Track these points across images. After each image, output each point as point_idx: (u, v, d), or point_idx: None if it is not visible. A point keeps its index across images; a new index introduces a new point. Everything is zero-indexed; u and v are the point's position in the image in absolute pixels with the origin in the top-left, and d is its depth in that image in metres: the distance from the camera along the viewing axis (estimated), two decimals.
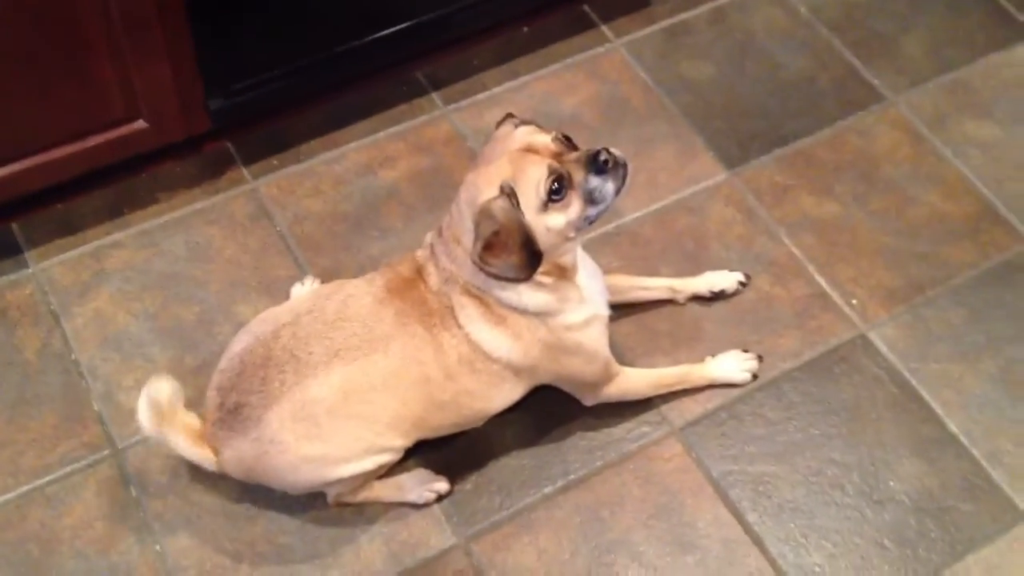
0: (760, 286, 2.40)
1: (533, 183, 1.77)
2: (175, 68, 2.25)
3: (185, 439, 1.92)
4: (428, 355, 1.89)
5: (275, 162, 2.57)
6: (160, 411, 1.88)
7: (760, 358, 2.26)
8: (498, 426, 2.11)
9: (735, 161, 2.61)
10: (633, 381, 2.16)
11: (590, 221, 1.86)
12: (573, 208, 1.81)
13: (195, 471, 2.08)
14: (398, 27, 2.52)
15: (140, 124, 2.33)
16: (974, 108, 2.72)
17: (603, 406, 2.16)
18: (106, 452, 2.15)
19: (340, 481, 1.95)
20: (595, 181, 1.81)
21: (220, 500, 2.09)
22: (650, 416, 2.21)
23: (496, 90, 2.72)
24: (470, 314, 1.89)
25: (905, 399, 2.24)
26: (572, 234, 1.85)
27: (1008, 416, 2.22)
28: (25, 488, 2.10)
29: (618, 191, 1.83)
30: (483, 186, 1.79)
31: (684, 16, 2.87)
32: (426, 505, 2.09)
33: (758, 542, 2.06)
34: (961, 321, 2.36)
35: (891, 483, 2.12)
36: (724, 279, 2.36)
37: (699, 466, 2.14)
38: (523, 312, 1.90)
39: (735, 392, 2.24)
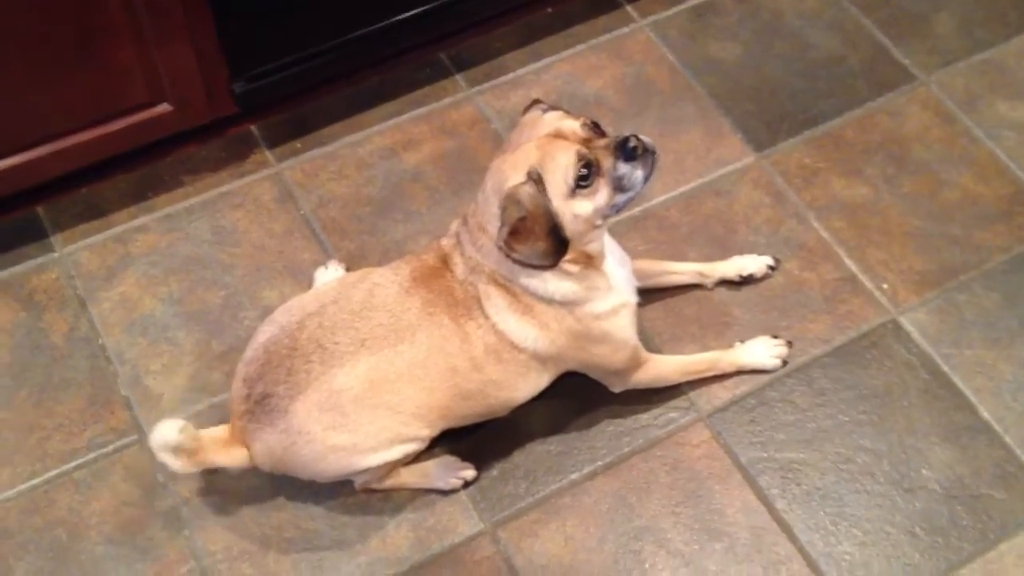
0: (789, 270, 2.37)
1: (561, 169, 1.75)
2: (199, 51, 2.24)
3: (220, 454, 1.91)
4: (455, 345, 1.88)
5: (299, 145, 2.55)
6: (183, 450, 1.84)
7: (790, 344, 2.24)
8: (524, 412, 2.10)
9: (763, 143, 2.58)
10: (662, 368, 2.14)
11: (618, 209, 1.84)
12: (601, 195, 1.79)
13: None
14: (421, 8, 2.50)
15: (164, 107, 2.32)
16: (1007, 89, 2.67)
17: (631, 392, 2.14)
18: (133, 437, 2.15)
19: (367, 470, 1.94)
20: (624, 168, 1.79)
21: (248, 485, 2.08)
22: (678, 402, 2.19)
23: (520, 72, 2.70)
24: (496, 303, 1.88)
25: (937, 386, 2.21)
26: (599, 221, 1.83)
27: None
28: (53, 473, 2.11)
29: (647, 178, 1.81)
30: (509, 172, 1.77)
31: None
32: (453, 491, 2.08)
33: (787, 530, 2.04)
34: (994, 306, 2.33)
35: (923, 470, 2.10)
36: (753, 263, 2.34)
37: (727, 452, 2.13)
38: (550, 301, 1.88)
39: (764, 378, 2.22)
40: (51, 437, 2.14)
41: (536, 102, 1.90)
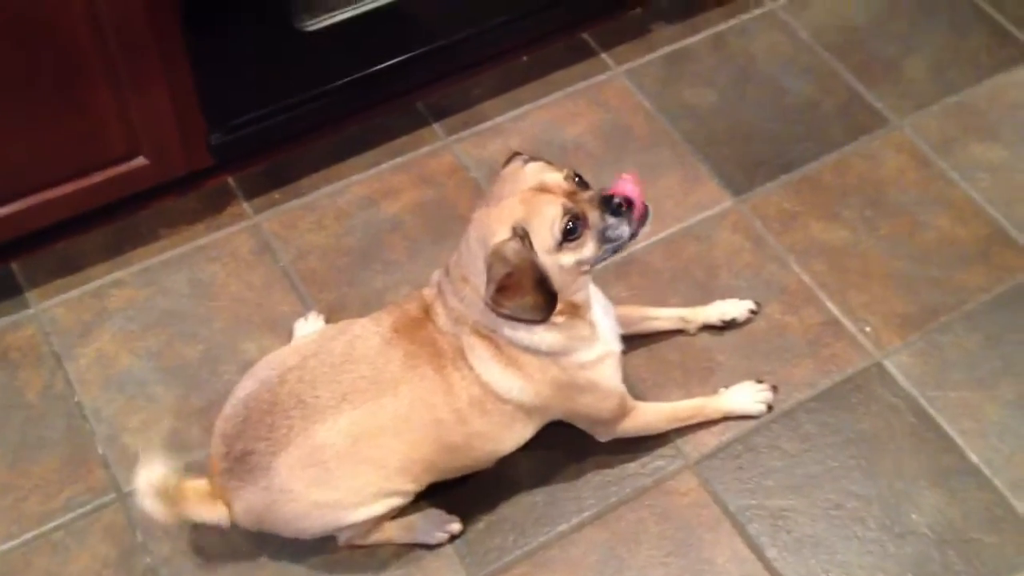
0: (771, 314, 2.37)
1: (547, 223, 1.73)
2: (175, 104, 2.22)
3: (200, 506, 1.87)
4: (438, 397, 1.85)
5: (277, 196, 2.54)
6: (166, 497, 1.81)
7: (775, 388, 2.23)
8: (510, 463, 2.07)
9: (741, 188, 2.59)
10: (648, 416, 2.12)
11: (603, 261, 1.83)
12: (588, 248, 1.78)
13: None
14: (398, 59, 2.50)
15: (141, 161, 2.30)
16: (980, 130, 2.70)
17: (617, 441, 2.12)
18: (112, 496, 2.10)
19: (352, 526, 1.91)
20: (610, 220, 1.78)
21: (228, 545, 2.04)
22: (665, 450, 2.17)
23: (498, 120, 2.70)
24: (480, 355, 1.85)
25: (923, 428, 2.20)
26: (586, 268, 1.82)
27: None
28: (30, 535, 2.05)
29: (633, 234, 1.81)
30: (494, 226, 1.75)
31: (685, 42, 2.86)
32: (439, 546, 2.04)
33: None
34: (977, 347, 2.33)
35: (913, 515, 2.09)
36: (734, 307, 2.33)
37: (716, 500, 2.11)
38: (535, 352, 1.86)
39: (751, 424, 2.21)
40: (27, 498, 2.09)
41: (516, 154, 1.89)
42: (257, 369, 1.92)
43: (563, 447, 2.14)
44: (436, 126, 2.68)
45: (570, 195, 1.77)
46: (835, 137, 2.68)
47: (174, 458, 1.83)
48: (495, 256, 1.73)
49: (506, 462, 2.04)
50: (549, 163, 1.85)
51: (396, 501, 1.92)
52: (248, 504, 1.85)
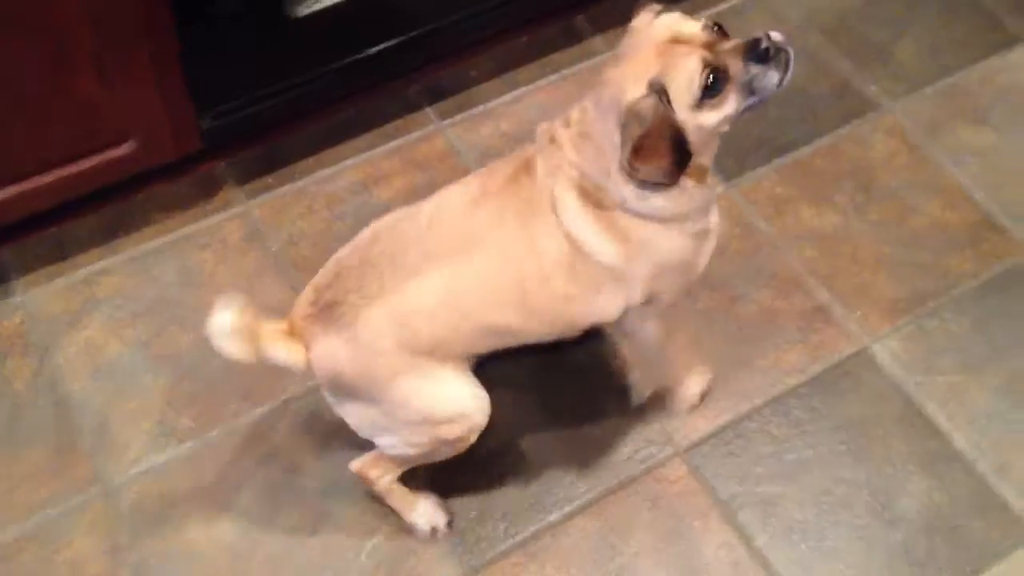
0: (762, 300, 2.37)
1: (686, 79, 1.61)
2: (164, 88, 2.21)
3: (277, 345, 1.79)
4: (522, 253, 1.76)
5: (269, 181, 2.53)
6: (242, 332, 1.74)
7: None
8: (500, 453, 2.08)
9: (732, 173, 2.58)
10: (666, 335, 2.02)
11: (744, 113, 1.71)
12: (729, 103, 1.66)
13: (191, 506, 2.04)
14: (390, 42, 2.48)
15: (130, 146, 2.28)
16: (970, 115, 2.69)
17: (606, 427, 2.13)
18: (99, 488, 2.10)
19: (429, 417, 1.82)
20: (755, 69, 1.65)
21: (216, 535, 2.04)
22: (654, 436, 2.18)
23: (492, 103, 2.68)
24: (573, 210, 1.74)
25: (911, 414, 2.22)
26: (727, 127, 1.72)
27: (1015, 429, 2.20)
28: (17, 526, 2.05)
29: (781, 81, 1.68)
30: (629, 83, 1.63)
31: None
32: (424, 537, 2.05)
33: (767, 566, 2.03)
34: (965, 332, 2.34)
35: (901, 501, 2.10)
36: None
37: (706, 488, 2.12)
38: (648, 217, 1.74)
39: (742, 409, 2.21)
40: (15, 489, 2.09)
41: (646, 3, 1.74)
42: (356, 237, 1.86)
43: (554, 436, 2.15)
44: (429, 110, 2.67)
45: (709, 46, 1.64)
46: (827, 121, 2.68)
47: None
48: (630, 114, 1.61)
49: (496, 449, 2.04)
50: (684, 14, 1.70)
51: (474, 401, 1.84)
52: (329, 351, 1.77)
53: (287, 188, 2.51)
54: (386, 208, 2.45)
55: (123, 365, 2.24)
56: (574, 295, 1.80)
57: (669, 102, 1.62)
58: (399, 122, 2.63)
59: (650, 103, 1.61)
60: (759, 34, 1.66)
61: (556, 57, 2.77)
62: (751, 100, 1.68)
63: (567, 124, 1.77)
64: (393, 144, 2.59)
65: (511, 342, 1.88)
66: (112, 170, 2.30)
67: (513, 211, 1.76)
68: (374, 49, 2.45)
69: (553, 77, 2.73)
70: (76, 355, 2.25)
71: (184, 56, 2.18)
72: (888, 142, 2.64)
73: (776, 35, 1.67)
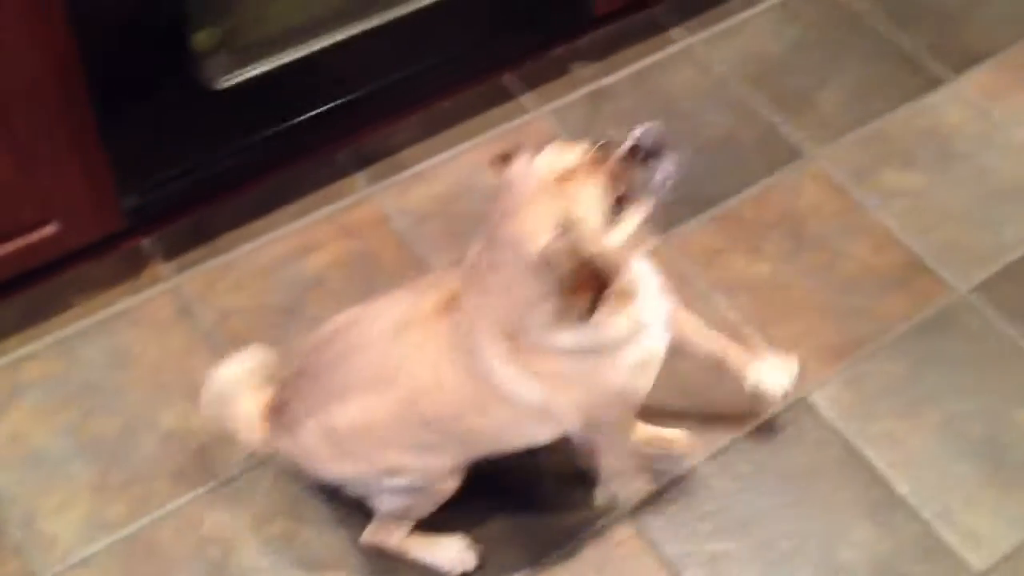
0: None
1: (589, 209, 1.59)
2: (86, 169, 2.17)
3: (247, 417, 1.91)
4: (453, 387, 1.77)
5: (196, 256, 2.49)
6: (233, 389, 1.89)
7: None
8: (440, 521, 2.04)
9: (665, 225, 2.59)
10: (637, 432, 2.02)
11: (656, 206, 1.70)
12: (637, 212, 1.65)
13: None
14: (318, 109, 2.47)
15: (52, 228, 2.23)
16: (895, 159, 2.74)
17: (547, 492, 2.11)
18: None
19: (391, 490, 1.91)
20: (647, 171, 1.64)
21: None
22: (599, 500, 2.15)
23: (420, 167, 2.67)
24: (495, 356, 1.72)
25: (852, 462, 2.22)
26: (642, 237, 1.69)
27: (954, 473, 2.21)
28: None
29: (674, 167, 1.67)
30: (532, 231, 1.59)
31: (605, 81, 2.86)
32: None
33: None
34: (901, 375, 2.36)
35: (846, 551, 2.10)
36: (779, 379, 2.17)
37: (653, 549, 2.10)
38: (568, 353, 1.71)
39: (684, 465, 2.20)
40: None
41: (506, 156, 1.71)
42: (328, 324, 1.94)
43: (494, 506, 2.12)
44: (357, 176, 2.65)
45: (597, 168, 1.62)
46: (754, 170, 2.70)
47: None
48: (546, 260, 1.58)
49: (438, 517, 2.01)
50: (561, 143, 1.68)
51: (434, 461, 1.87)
52: (285, 446, 1.90)
53: (216, 261, 2.48)
54: (317, 280, 2.46)
55: (50, 453, 2.18)
56: (497, 430, 1.82)
57: (579, 236, 1.59)
58: (328, 189, 2.61)
59: (562, 243, 1.58)
60: (634, 135, 1.65)
61: (485, 116, 2.77)
62: (654, 198, 1.68)
63: (475, 267, 1.74)
64: (323, 212, 2.57)
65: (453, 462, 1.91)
66: (34, 254, 2.25)
67: (434, 347, 1.77)
68: (300, 118, 2.43)
69: (483, 137, 2.74)
70: (1, 446, 2.19)
71: (105, 135, 2.14)
72: (816, 189, 2.67)
73: (646, 129, 1.66)
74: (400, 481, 1.89)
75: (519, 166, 1.67)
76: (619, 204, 1.62)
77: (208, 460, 2.17)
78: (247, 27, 2.30)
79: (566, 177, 1.61)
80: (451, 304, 1.78)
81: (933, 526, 2.14)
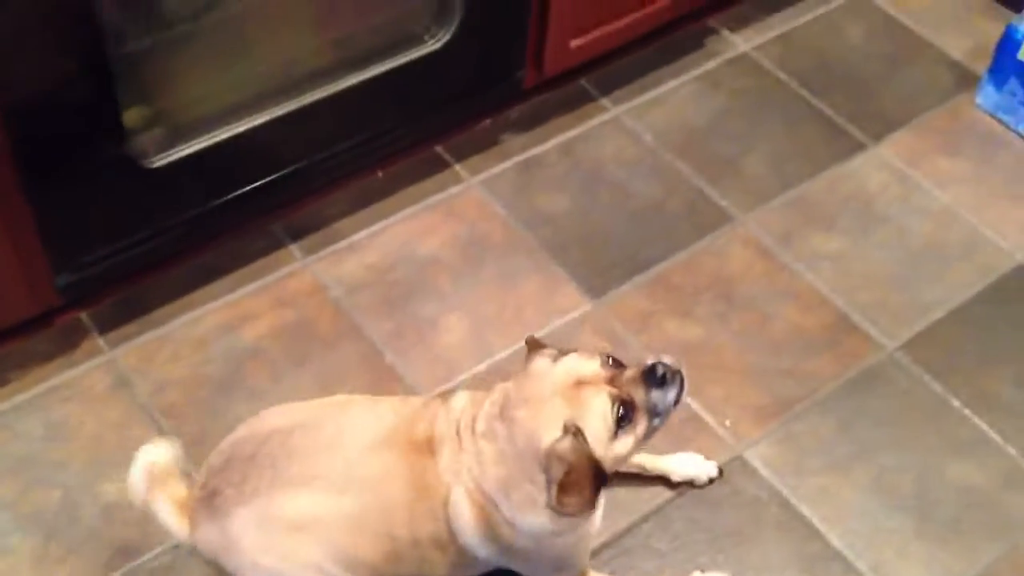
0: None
1: (599, 416, 1.74)
2: (18, 248, 2.16)
3: (170, 509, 1.89)
4: (400, 521, 1.84)
5: (132, 329, 2.49)
6: (153, 475, 1.86)
7: None
8: None
9: (598, 291, 2.65)
10: None
11: (651, 436, 1.85)
12: (640, 427, 1.80)
13: None
14: (251, 185, 2.49)
15: None
16: (819, 222, 2.83)
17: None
18: None
19: None
20: (656, 395, 1.80)
21: None
22: None
23: (355, 237, 2.71)
24: (464, 519, 1.84)
25: (787, 518, 2.26)
26: (638, 452, 1.85)
27: (885, 526, 2.27)
28: None
29: (678, 399, 1.83)
30: (544, 428, 1.75)
31: (535, 151, 2.93)
32: None
33: None
34: (831, 433, 2.42)
35: None
36: (697, 466, 2.31)
37: None
38: (535, 534, 1.85)
39: (621, 525, 2.23)
40: None
41: (538, 346, 1.88)
42: (254, 420, 1.95)
43: None
44: (293, 247, 2.68)
45: (612, 380, 1.78)
46: (683, 236, 2.78)
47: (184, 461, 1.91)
48: (551, 457, 1.72)
49: None
50: (580, 353, 1.84)
51: None
52: (207, 537, 1.87)
53: (152, 334, 2.48)
54: (254, 350, 2.47)
55: None
56: (445, 563, 1.90)
57: (585, 440, 1.74)
58: (263, 261, 2.63)
59: (568, 444, 1.72)
60: (652, 359, 1.82)
61: (418, 187, 2.82)
62: (655, 421, 1.82)
63: (472, 428, 1.84)
64: (258, 283, 2.59)
65: None
66: None
67: (404, 480, 1.84)
68: (234, 193, 2.46)
69: (416, 207, 2.78)
70: None
71: (37, 216, 2.15)
72: (743, 253, 2.75)
73: (667, 359, 1.83)
74: None
75: (543, 362, 1.83)
76: (623, 417, 1.77)
77: (150, 531, 2.13)
78: (178, 106, 2.34)
79: (582, 382, 1.77)
80: (431, 446, 1.86)
81: None
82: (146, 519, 2.10)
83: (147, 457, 1.87)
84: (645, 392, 1.80)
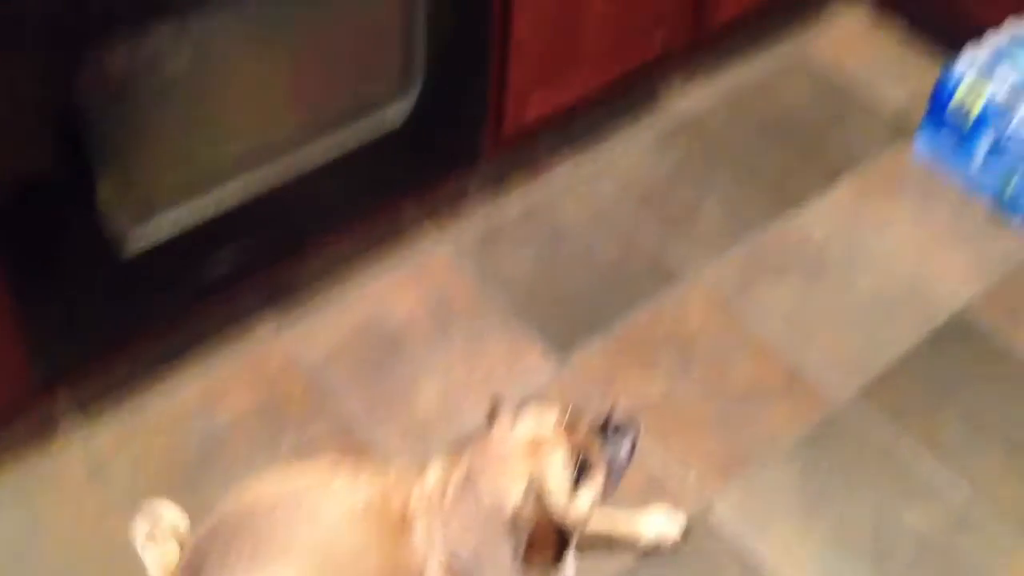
0: None
1: (558, 472, 1.81)
2: None
3: (159, 566, 1.99)
4: None
5: (107, 413, 2.51)
6: (155, 531, 2.01)
7: None
8: None
9: (565, 348, 2.72)
10: None
11: (615, 483, 1.92)
12: (598, 479, 1.87)
13: None
14: (225, 269, 2.51)
15: None
16: (770, 273, 2.92)
17: None
18: None
19: None
20: (612, 445, 1.88)
21: None
22: None
23: (325, 304, 2.76)
24: None
25: (749, 571, 2.35)
26: (599, 503, 1.91)
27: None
28: None
29: (633, 447, 1.91)
30: (504, 489, 1.81)
31: (499, 211, 3.00)
32: None
33: None
34: (791, 483, 2.50)
35: None
36: (668, 524, 2.37)
37: None
38: None
39: None
40: None
41: (496, 408, 1.94)
42: (243, 489, 2.00)
43: None
44: (266, 315, 2.72)
45: (569, 434, 1.86)
46: (644, 291, 2.86)
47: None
48: (516, 517, 1.79)
49: None
50: (540, 406, 1.93)
51: None
52: None
53: (127, 417, 2.51)
54: (231, 427, 2.51)
55: None
56: None
57: (548, 494, 1.81)
58: (237, 335, 2.67)
59: (531, 504, 1.80)
60: (607, 412, 1.91)
61: (381, 252, 2.87)
62: (614, 471, 1.90)
63: (442, 498, 1.91)
64: (233, 357, 2.63)
65: None
66: None
67: (381, 554, 1.90)
68: (210, 276, 2.49)
69: (381, 275, 2.83)
70: None
71: (12, 313, 2.17)
72: (701, 306, 2.84)
73: (621, 410, 1.92)
74: None
75: (503, 424, 1.91)
76: (581, 469, 1.85)
77: None
78: (154, 189, 2.35)
79: (539, 441, 1.85)
80: (406, 519, 1.93)
81: None
82: None
83: (156, 510, 2.00)
84: (602, 443, 1.88)
